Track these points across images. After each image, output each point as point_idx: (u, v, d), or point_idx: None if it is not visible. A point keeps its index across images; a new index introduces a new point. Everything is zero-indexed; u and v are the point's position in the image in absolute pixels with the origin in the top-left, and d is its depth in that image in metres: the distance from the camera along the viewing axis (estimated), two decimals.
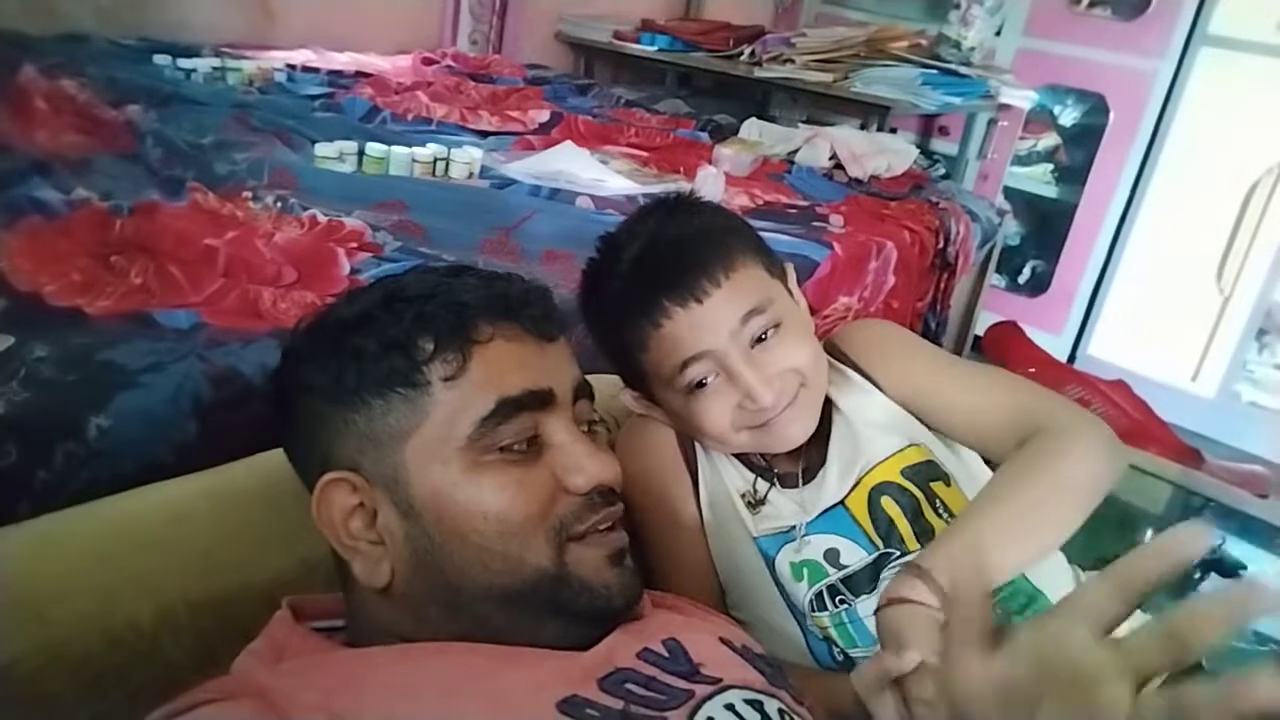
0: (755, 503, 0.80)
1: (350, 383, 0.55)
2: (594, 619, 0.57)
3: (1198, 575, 1.67)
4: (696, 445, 0.83)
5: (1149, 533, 1.81)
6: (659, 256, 0.74)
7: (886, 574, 0.75)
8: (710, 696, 0.53)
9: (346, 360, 0.56)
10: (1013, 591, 0.76)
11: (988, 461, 0.84)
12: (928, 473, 0.79)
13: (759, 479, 0.81)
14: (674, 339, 0.73)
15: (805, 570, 0.77)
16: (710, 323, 0.73)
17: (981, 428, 0.80)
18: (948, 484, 0.79)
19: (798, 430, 0.77)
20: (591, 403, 0.63)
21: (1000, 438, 0.78)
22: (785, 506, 0.80)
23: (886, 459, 0.79)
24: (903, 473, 0.78)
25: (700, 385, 0.75)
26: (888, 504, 0.77)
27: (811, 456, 0.80)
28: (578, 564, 0.56)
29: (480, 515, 0.54)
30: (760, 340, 0.74)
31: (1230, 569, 1.67)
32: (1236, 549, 1.73)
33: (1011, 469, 0.73)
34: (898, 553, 0.76)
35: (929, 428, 0.82)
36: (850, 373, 0.84)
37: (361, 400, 0.55)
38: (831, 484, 0.79)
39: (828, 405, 0.82)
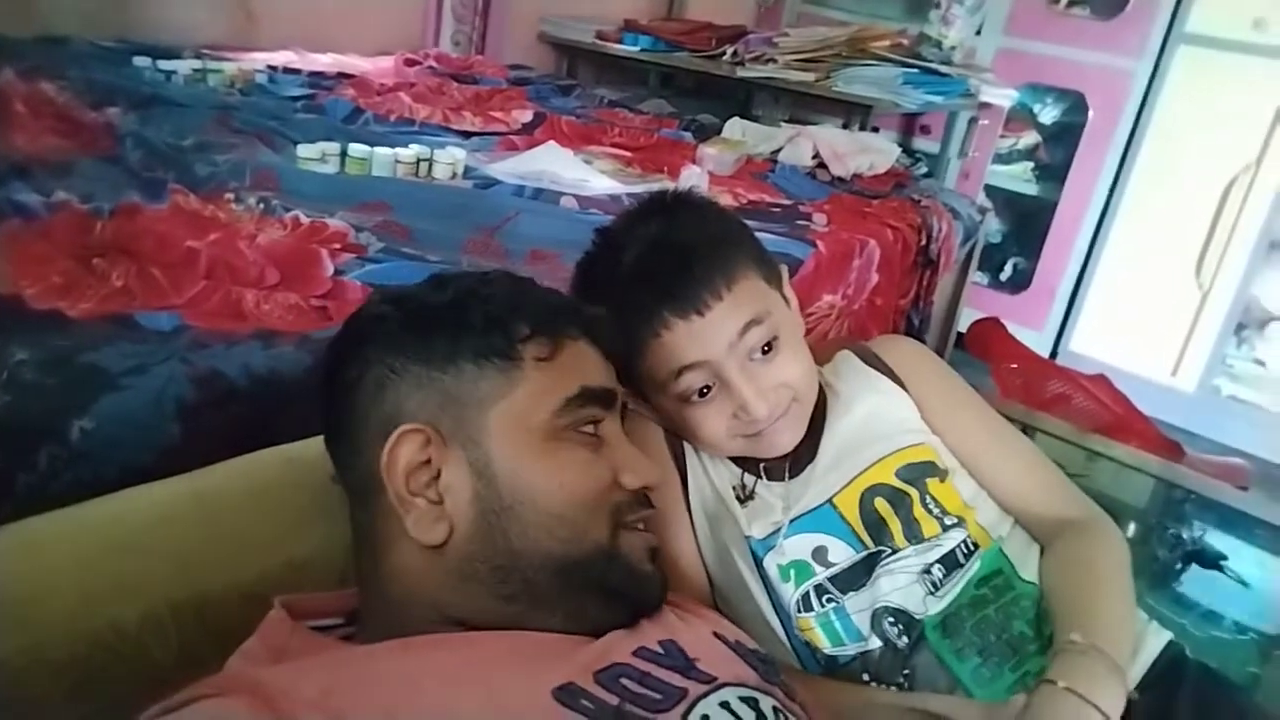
0: (744, 497, 0.81)
1: (443, 347, 0.59)
2: (631, 605, 0.61)
3: (1179, 566, 1.69)
4: (685, 444, 0.83)
5: (1131, 526, 1.82)
6: (661, 264, 0.74)
7: (880, 571, 0.76)
8: (704, 695, 0.54)
9: (445, 327, 0.60)
10: (1002, 584, 0.77)
11: None
12: (924, 470, 0.80)
13: (745, 473, 0.82)
14: (672, 348, 0.74)
15: (792, 571, 0.77)
16: (710, 335, 0.73)
17: (1020, 506, 0.84)
18: (942, 480, 0.81)
19: (786, 440, 0.79)
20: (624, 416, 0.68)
21: (1040, 523, 0.83)
22: (771, 500, 0.80)
23: (882, 459, 0.80)
24: (897, 473, 0.80)
25: (697, 394, 0.76)
26: (879, 504, 0.78)
27: (799, 452, 0.81)
28: (628, 547, 0.61)
29: (557, 483, 0.58)
30: (757, 353, 0.75)
31: (1211, 560, 1.69)
32: (1217, 541, 1.75)
33: (1083, 561, 0.79)
34: (888, 550, 0.77)
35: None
36: (880, 376, 0.86)
37: (453, 363, 0.58)
38: (818, 480, 0.80)
39: (822, 405, 0.83)
